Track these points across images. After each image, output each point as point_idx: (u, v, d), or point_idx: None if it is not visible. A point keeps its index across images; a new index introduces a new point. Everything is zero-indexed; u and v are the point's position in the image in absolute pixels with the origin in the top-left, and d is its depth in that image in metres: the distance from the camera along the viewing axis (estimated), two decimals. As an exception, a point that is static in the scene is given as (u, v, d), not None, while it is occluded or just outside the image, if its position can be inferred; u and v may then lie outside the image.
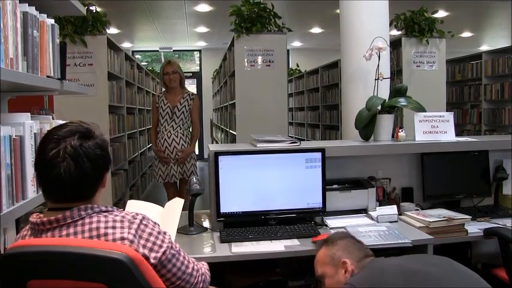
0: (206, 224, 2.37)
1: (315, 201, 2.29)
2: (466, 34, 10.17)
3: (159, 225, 1.34)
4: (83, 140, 1.23)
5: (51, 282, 1.16)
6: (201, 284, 1.40)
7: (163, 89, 4.26)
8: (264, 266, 2.26)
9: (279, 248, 1.98)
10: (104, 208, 1.28)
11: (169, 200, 4.23)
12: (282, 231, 2.13)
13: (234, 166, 2.23)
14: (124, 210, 1.34)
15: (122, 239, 1.21)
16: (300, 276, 2.34)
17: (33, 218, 1.26)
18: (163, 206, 2.16)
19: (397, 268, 1.43)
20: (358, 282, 1.43)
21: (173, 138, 4.07)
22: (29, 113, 1.65)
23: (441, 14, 7.43)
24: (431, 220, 2.17)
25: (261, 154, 2.28)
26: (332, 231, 2.14)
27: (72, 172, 1.20)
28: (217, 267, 1.94)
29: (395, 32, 5.56)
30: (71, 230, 1.22)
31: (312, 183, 2.28)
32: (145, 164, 7.45)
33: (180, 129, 4.10)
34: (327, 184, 2.31)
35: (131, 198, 5.68)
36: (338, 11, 3.61)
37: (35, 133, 1.60)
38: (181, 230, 2.23)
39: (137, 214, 1.30)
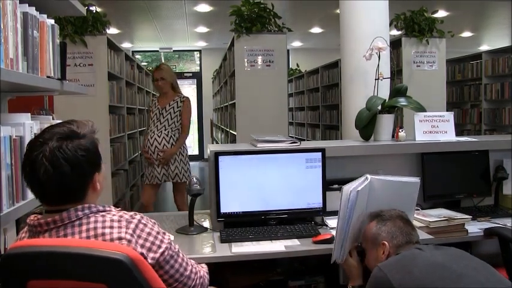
0: (206, 224, 2.37)
1: (315, 201, 2.28)
2: (466, 34, 10.17)
3: (158, 224, 1.33)
4: (62, 142, 1.19)
5: (52, 282, 1.16)
6: (199, 287, 1.40)
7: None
8: (264, 266, 2.26)
9: (279, 248, 1.98)
10: (101, 208, 1.27)
11: (145, 201, 4.15)
12: (282, 231, 2.12)
13: (234, 166, 2.23)
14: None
15: (120, 238, 1.21)
16: (300, 276, 2.34)
17: (31, 219, 1.25)
18: (163, 206, 2.16)
19: (430, 261, 1.45)
20: (386, 265, 1.50)
21: (155, 139, 4.06)
22: (29, 113, 1.65)
23: (441, 14, 7.43)
24: (431, 220, 2.18)
25: (261, 154, 2.28)
26: (332, 231, 2.14)
27: (51, 176, 1.17)
28: (218, 267, 1.94)
29: (395, 32, 5.56)
30: (69, 231, 1.21)
31: (312, 183, 2.28)
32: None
33: (165, 129, 4.07)
34: (327, 184, 2.30)
35: (131, 198, 5.68)
36: (338, 11, 3.61)
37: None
38: (181, 230, 2.23)
39: (135, 213, 1.29)
